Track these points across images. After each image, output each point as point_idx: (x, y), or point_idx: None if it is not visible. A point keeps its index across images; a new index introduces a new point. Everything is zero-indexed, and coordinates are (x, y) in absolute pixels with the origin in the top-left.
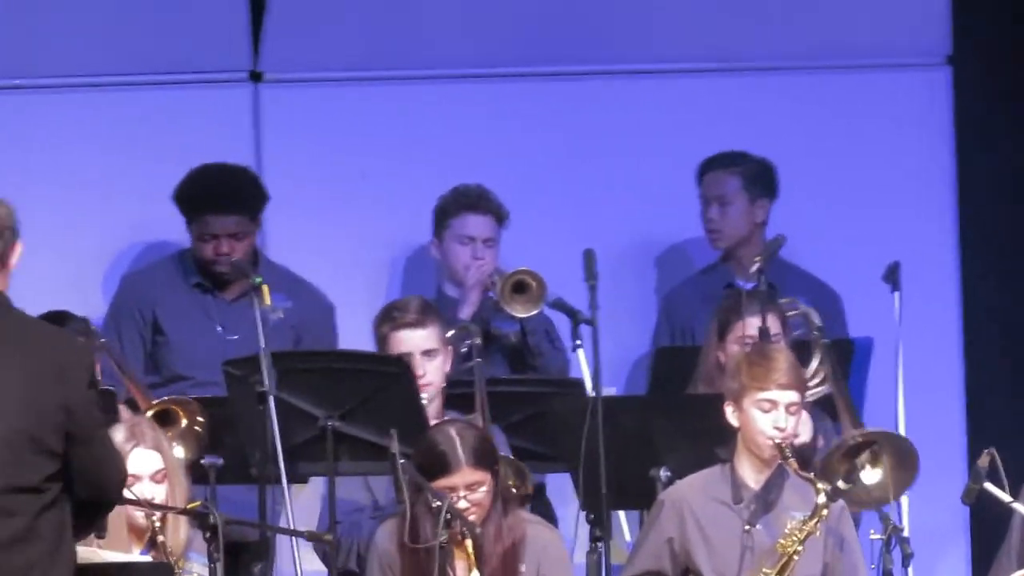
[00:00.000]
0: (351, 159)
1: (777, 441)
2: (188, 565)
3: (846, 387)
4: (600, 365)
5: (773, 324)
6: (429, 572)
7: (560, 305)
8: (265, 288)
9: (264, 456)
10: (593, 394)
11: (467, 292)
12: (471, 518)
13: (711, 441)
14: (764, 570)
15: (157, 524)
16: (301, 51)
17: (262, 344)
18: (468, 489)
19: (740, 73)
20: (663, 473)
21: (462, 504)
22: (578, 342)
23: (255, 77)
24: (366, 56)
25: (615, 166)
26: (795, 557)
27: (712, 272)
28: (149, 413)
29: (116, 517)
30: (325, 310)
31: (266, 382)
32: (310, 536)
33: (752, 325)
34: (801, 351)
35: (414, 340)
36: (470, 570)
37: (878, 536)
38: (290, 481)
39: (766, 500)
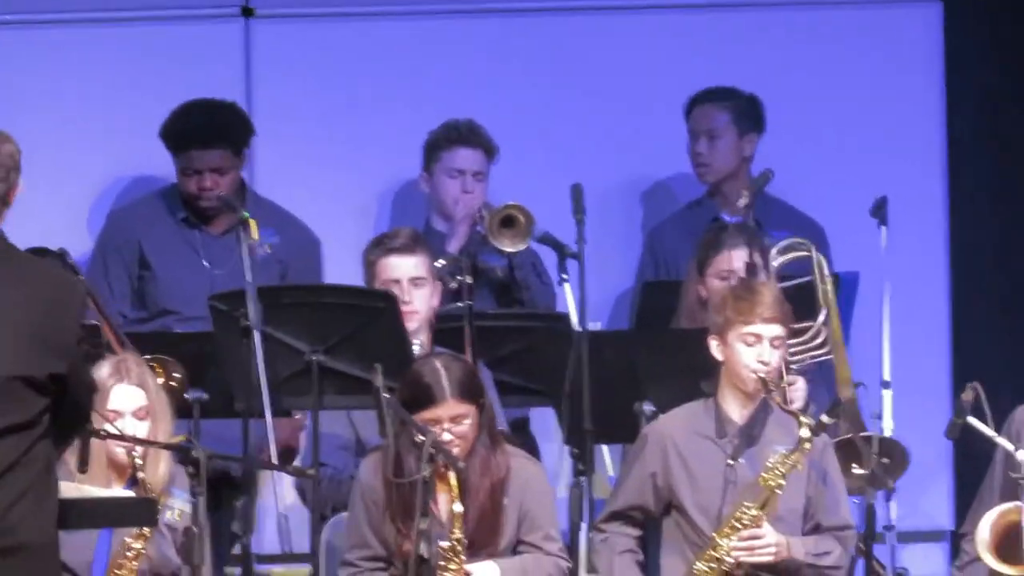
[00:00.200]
0: (341, 94)
1: (761, 375)
2: (170, 501)
3: (844, 350)
4: (586, 299)
5: (753, 257)
6: (412, 506)
7: (547, 239)
8: (253, 223)
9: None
10: (578, 328)
11: (456, 226)
12: (455, 451)
13: (695, 375)
14: (747, 504)
15: (138, 460)
16: None
17: (248, 279)
18: (452, 421)
19: (729, 9)
20: (647, 407)
21: (446, 436)
22: (564, 276)
23: (246, 12)
24: None
25: (604, 102)
26: (778, 491)
27: (698, 207)
28: None
29: (96, 453)
30: (311, 245)
31: (251, 316)
32: (294, 471)
33: (731, 259)
34: (804, 296)
35: (403, 267)
36: (452, 503)
37: (861, 471)
38: (274, 415)
39: (750, 434)
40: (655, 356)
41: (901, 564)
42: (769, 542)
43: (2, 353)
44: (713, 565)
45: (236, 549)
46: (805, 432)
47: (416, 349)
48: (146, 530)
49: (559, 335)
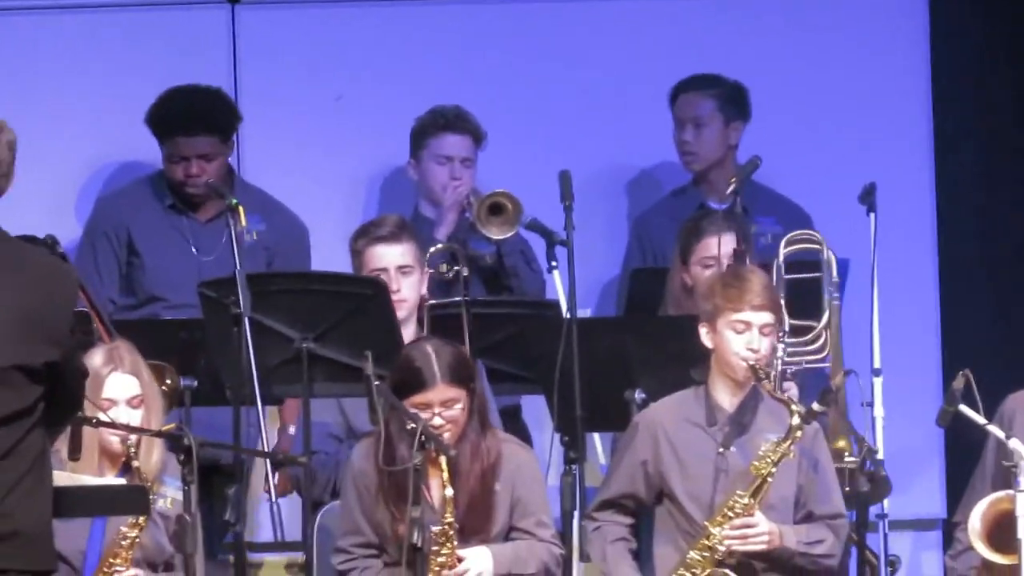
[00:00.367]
0: (328, 81)
1: (751, 362)
2: (162, 489)
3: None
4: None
5: (734, 243)
6: (404, 492)
7: (535, 226)
8: (241, 209)
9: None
10: (568, 316)
11: (444, 212)
12: (446, 435)
13: (686, 363)
14: (738, 492)
15: (132, 449)
16: None
17: (238, 265)
18: (443, 406)
19: None
20: (637, 395)
21: (437, 421)
22: (553, 263)
23: None
24: None
25: (589, 88)
26: (769, 479)
27: (683, 195)
28: None
29: (89, 441)
30: (299, 233)
31: (241, 304)
32: (285, 459)
33: (711, 246)
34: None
35: (390, 255)
36: (444, 488)
37: (853, 459)
38: (265, 403)
39: (740, 422)
40: (645, 344)
41: (893, 553)
42: (761, 530)
43: (1, 343)
44: (706, 554)
45: (228, 538)
46: (796, 420)
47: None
48: (141, 519)
49: (549, 322)
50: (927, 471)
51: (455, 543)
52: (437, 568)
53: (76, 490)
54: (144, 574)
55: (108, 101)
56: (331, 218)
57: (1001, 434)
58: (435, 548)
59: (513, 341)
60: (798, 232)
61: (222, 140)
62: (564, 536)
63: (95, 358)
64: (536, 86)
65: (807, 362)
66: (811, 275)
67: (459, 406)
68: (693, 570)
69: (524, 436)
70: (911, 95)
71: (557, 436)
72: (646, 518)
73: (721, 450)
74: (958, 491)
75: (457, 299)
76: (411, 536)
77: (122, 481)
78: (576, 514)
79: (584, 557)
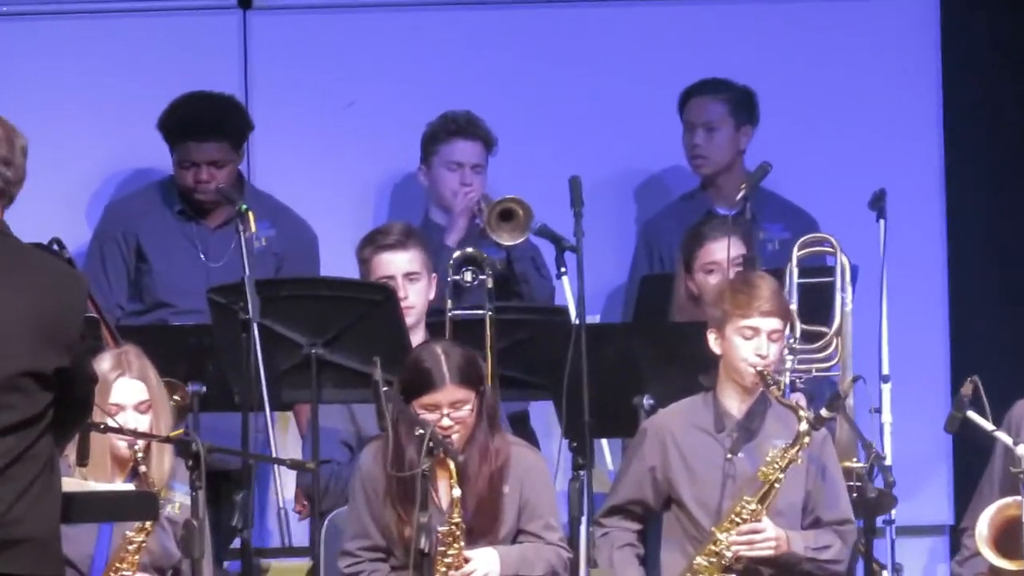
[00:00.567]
0: (339, 87)
1: (759, 368)
2: (171, 494)
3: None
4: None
5: (737, 247)
6: (412, 494)
7: (545, 232)
8: (251, 214)
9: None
10: (577, 321)
11: (455, 218)
12: (454, 437)
13: (694, 369)
14: (746, 498)
15: (140, 454)
16: None
17: (247, 271)
18: (452, 407)
19: (724, 1)
20: (646, 401)
21: (445, 422)
22: (563, 269)
23: (244, 4)
24: None
25: (598, 94)
26: (777, 485)
27: (691, 200)
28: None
29: (98, 447)
30: (308, 239)
31: (250, 309)
32: (293, 464)
33: (713, 251)
34: (817, 297)
35: (396, 262)
36: (452, 489)
37: (861, 464)
38: (273, 409)
39: (748, 428)
40: (654, 350)
41: (900, 559)
42: (769, 536)
43: (12, 348)
44: (713, 559)
45: (236, 543)
46: (804, 426)
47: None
48: (147, 524)
49: (558, 328)
50: (935, 477)
51: (462, 544)
52: (444, 569)
53: (85, 496)
54: None
55: (119, 106)
56: (341, 224)
57: (1009, 440)
58: (442, 548)
59: (522, 347)
60: (812, 236)
61: (233, 147)
62: (572, 542)
63: (103, 363)
64: (546, 92)
65: (817, 370)
66: (823, 279)
67: (468, 407)
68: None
69: (532, 442)
70: (921, 101)
71: (565, 442)
72: (654, 524)
73: (729, 456)
74: (966, 497)
75: (479, 311)
76: (418, 542)
77: (131, 487)
78: (584, 520)
79: (591, 563)
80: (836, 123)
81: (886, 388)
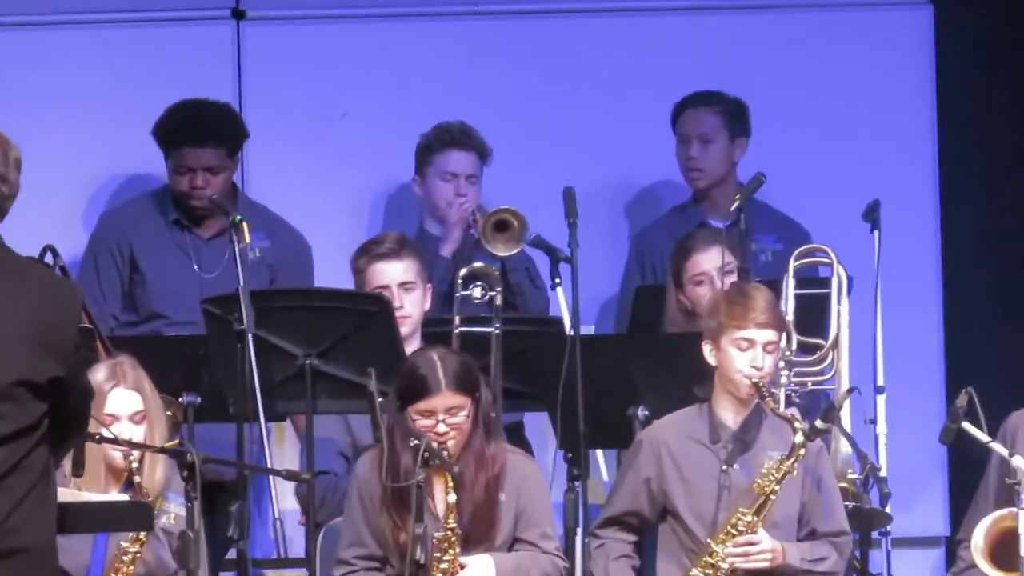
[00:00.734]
0: (333, 97)
1: (754, 380)
2: (165, 505)
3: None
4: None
5: (726, 256)
6: (407, 502)
7: (539, 243)
8: (245, 225)
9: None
10: (572, 332)
11: (449, 229)
12: (450, 443)
13: (688, 381)
14: (742, 510)
15: (135, 464)
16: None
17: (241, 282)
18: (447, 413)
19: (717, 12)
20: (641, 412)
21: (441, 428)
22: (557, 280)
23: (237, 15)
24: None
25: (593, 105)
26: (772, 497)
27: (683, 212)
28: None
29: (93, 457)
30: (302, 250)
31: (245, 320)
32: (288, 475)
33: (700, 263)
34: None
35: (391, 272)
36: (447, 494)
37: (856, 476)
38: (268, 420)
39: (743, 440)
40: (649, 361)
41: (896, 571)
42: (764, 548)
43: (6, 359)
44: (709, 571)
45: (231, 554)
46: (799, 438)
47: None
48: (142, 534)
49: (552, 339)
50: (930, 488)
51: (457, 550)
52: (439, 575)
53: (80, 506)
54: None
55: (114, 116)
56: (335, 235)
57: (1004, 451)
58: (437, 555)
59: (517, 358)
60: (808, 247)
61: (228, 154)
62: (567, 553)
63: (98, 374)
64: (540, 102)
65: (813, 383)
66: (817, 291)
67: (463, 414)
68: None
69: (527, 452)
70: (915, 112)
71: (560, 453)
72: (649, 535)
73: (724, 467)
74: (961, 509)
75: (488, 329)
76: (414, 552)
77: (125, 497)
78: (579, 531)
79: (587, 574)
80: (830, 134)
81: (881, 399)
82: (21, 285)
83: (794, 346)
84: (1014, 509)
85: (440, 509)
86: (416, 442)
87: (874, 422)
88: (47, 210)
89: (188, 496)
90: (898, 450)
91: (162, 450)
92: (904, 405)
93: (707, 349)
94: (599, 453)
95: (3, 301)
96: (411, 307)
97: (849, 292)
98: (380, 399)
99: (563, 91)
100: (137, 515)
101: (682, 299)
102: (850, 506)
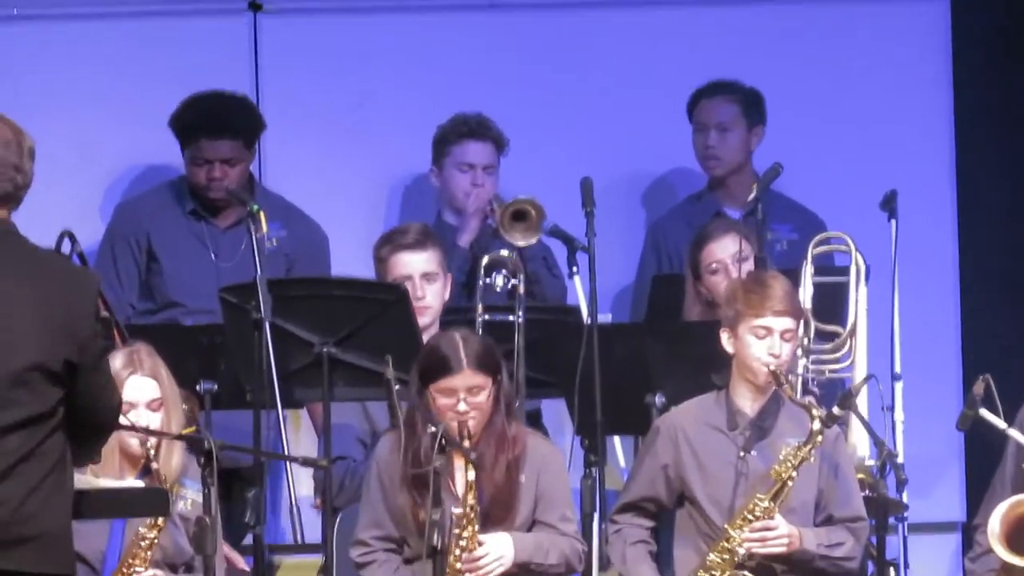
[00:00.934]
0: (350, 89)
1: (772, 367)
2: (182, 491)
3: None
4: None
5: (742, 245)
6: (427, 480)
7: (557, 232)
8: (263, 214)
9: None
10: (589, 321)
11: (467, 219)
12: (471, 423)
13: (707, 368)
14: (759, 496)
15: (151, 451)
16: None
17: (258, 271)
18: (468, 392)
19: (735, 4)
20: (658, 399)
21: (461, 407)
22: (574, 269)
23: (254, 7)
24: None
25: (607, 96)
26: (789, 483)
27: (699, 201)
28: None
29: (109, 444)
30: (319, 240)
31: (262, 308)
32: (305, 462)
33: (715, 251)
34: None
35: (414, 262)
36: (467, 472)
37: (873, 462)
38: (285, 407)
39: (761, 427)
40: (666, 349)
41: (913, 556)
42: (781, 533)
43: (20, 343)
44: (726, 556)
45: (248, 539)
46: (817, 425)
47: None
48: (159, 520)
49: (570, 328)
50: (947, 475)
51: (476, 527)
52: (458, 551)
53: (97, 492)
54: (163, 575)
55: (131, 108)
56: (352, 225)
57: (1021, 438)
58: (456, 531)
59: (535, 346)
60: (826, 234)
61: (245, 145)
62: (584, 538)
63: (115, 361)
64: (556, 93)
65: (830, 372)
66: (834, 279)
67: (484, 394)
68: (712, 573)
69: None
70: (932, 101)
71: (577, 440)
72: (666, 521)
73: (742, 454)
74: (978, 495)
75: (510, 318)
76: (431, 538)
77: (141, 484)
78: (596, 517)
79: (604, 559)
80: (848, 124)
81: (898, 387)
82: (35, 273)
83: (812, 334)
84: None
85: (460, 487)
86: (433, 429)
87: (891, 409)
88: (65, 201)
89: (205, 482)
90: (915, 437)
91: (179, 437)
92: (921, 392)
93: (725, 337)
94: (616, 440)
95: (16, 288)
96: (432, 298)
97: (867, 281)
98: (397, 387)
99: (579, 82)
100: (154, 501)
101: (701, 289)
102: (867, 492)
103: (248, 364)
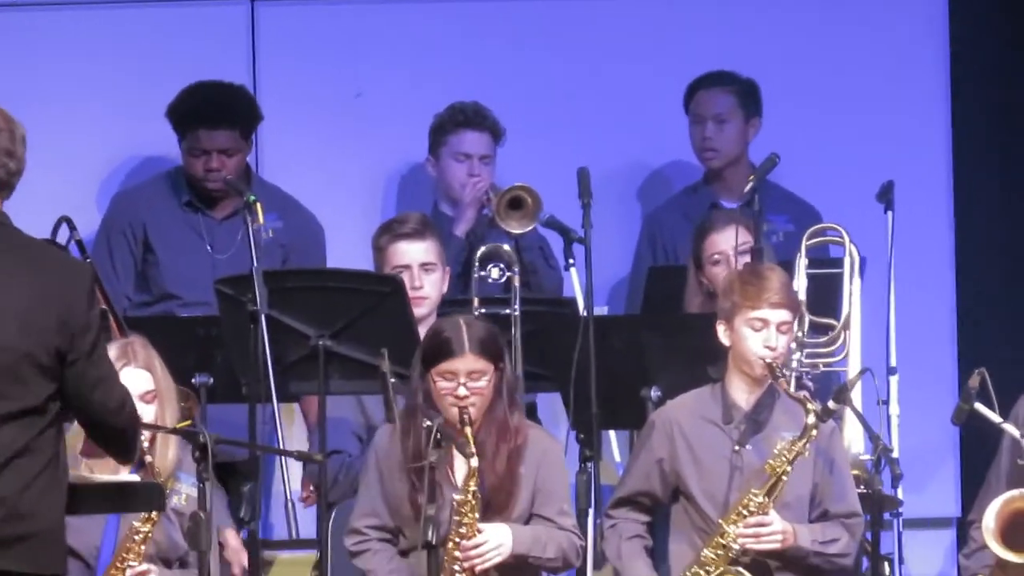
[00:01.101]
0: (347, 78)
1: (768, 360)
2: (177, 485)
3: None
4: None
5: (741, 235)
6: (422, 477)
7: (553, 223)
8: (259, 205)
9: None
10: (585, 313)
11: (463, 209)
12: (471, 408)
13: (703, 360)
14: (753, 490)
15: (146, 444)
16: None
17: (255, 262)
18: (469, 377)
19: None
20: (654, 393)
21: (462, 391)
22: (571, 261)
23: None
24: None
25: (607, 85)
26: (784, 478)
27: (695, 193)
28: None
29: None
30: (314, 231)
31: (258, 300)
32: (300, 456)
33: (718, 242)
34: (823, 288)
35: (413, 252)
36: (469, 460)
37: (868, 457)
38: (281, 400)
39: (756, 420)
40: (662, 341)
41: (907, 551)
42: (775, 529)
43: (9, 336)
44: (720, 552)
45: (243, 534)
46: (812, 419)
47: None
48: (154, 514)
49: (565, 320)
50: (942, 469)
51: (476, 515)
52: (457, 539)
53: (91, 487)
54: (157, 570)
55: (128, 97)
56: (349, 215)
57: (1016, 432)
58: (456, 518)
59: (530, 338)
60: (820, 226)
61: (243, 136)
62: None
63: (109, 353)
64: (553, 82)
65: (824, 365)
66: (829, 271)
67: (485, 379)
68: (707, 568)
69: None
70: (929, 92)
71: (572, 434)
72: (662, 515)
73: (737, 448)
74: (973, 490)
75: (506, 311)
76: (426, 533)
77: (136, 477)
78: (591, 512)
79: (599, 553)
80: (844, 115)
81: (893, 380)
82: (27, 264)
83: (806, 327)
84: None
85: (460, 474)
86: (429, 424)
87: (886, 403)
88: (61, 191)
89: (200, 477)
90: (910, 431)
91: (175, 431)
92: (916, 386)
93: (721, 329)
94: (612, 434)
95: (7, 279)
96: (430, 288)
97: (862, 272)
98: (393, 380)
99: (576, 72)
100: (148, 495)
101: (703, 280)
102: (861, 488)
103: (244, 356)
